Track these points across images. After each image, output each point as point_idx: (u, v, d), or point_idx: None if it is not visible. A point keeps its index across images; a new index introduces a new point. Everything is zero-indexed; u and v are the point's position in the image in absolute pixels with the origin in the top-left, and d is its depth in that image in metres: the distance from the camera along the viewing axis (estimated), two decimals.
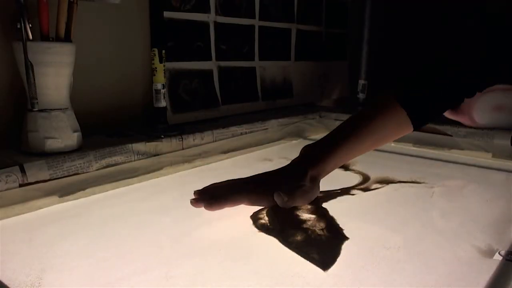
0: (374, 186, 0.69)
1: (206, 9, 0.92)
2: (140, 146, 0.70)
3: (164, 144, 0.73)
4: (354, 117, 0.61)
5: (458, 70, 0.58)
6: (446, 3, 1.24)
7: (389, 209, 0.60)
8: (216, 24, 0.95)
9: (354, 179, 0.73)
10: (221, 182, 0.58)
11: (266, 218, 0.55)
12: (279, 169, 0.60)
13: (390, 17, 1.33)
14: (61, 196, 0.60)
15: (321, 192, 0.65)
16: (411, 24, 1.33)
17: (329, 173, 0.59)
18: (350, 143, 0.57)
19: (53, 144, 0.61)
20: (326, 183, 0.69)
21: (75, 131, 0.64)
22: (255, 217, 0.55)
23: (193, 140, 0.78)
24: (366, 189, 0.68)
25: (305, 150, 0.61)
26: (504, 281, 0.41)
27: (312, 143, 0.62)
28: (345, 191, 0.67)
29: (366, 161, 0.84)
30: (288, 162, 0.61)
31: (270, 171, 0.60)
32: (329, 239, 0.49)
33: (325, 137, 0.61)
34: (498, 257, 0.45)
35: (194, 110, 0.91)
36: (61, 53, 0.61)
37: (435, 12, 1.32)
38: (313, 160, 0.57)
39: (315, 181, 0.57)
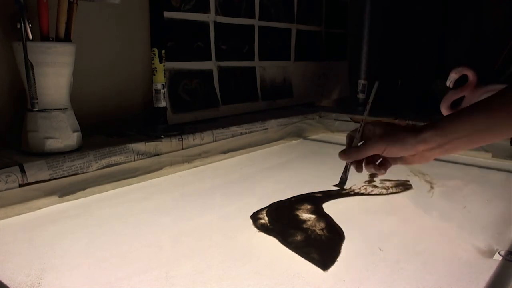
0: (375, 188, 0.69)
1: (206, 9, 0.92)
2: (140, 146, 0.70)
3: (164, 144, 0.73)
4: (492, 97, 0.47)
5: None
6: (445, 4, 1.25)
7: (389, 209, 0.60)
8: (216, 24, 0.95)
9: (355, 178, 0.73)
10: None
11: (266, 218, 0.55)
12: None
13: (390, 17, 1.33)
14: (61, 196, 0.60)
15: (321, 192, 0.65)
16: (411, 24, 1.33)
17: (445, 143, 0.47)
18: (479, 115, 0.45)
19: (53, 144, 0.61)
20: (326, 183, 0.69)
21: (75, 131, 0.64)
22: (255, 217, 0.55)
23: (193, 140, 0.78)
24: (366, 190, 0.68)
25: None
26: (504, 281, 0.41)
27: None
28: (345, 191, 0.67)
29: None
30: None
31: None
32: (329, 239, 0.49)
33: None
34: (498, 257, 0.45)
35: (194, 110, 0.91)
36: (61, 53, 0.61)
37: (435, 12, 1.32)
38: (433, 122, 0.48)
39: (418, 134, 0.47)
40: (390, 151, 0.49)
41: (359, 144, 0.52)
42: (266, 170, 0.80)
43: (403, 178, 0.73)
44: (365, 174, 0.76)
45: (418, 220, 0.57)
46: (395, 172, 0.76)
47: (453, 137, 0.46)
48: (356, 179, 0.72)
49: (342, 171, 0.54)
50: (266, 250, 0.47)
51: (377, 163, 0.52)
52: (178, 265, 0.44)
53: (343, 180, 0.55)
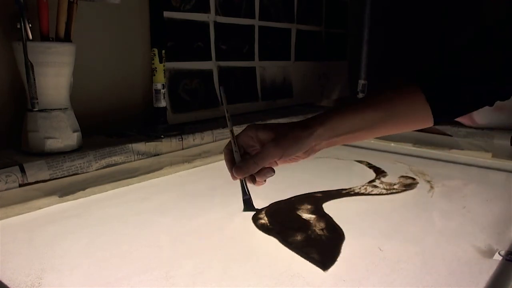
0: (375, 188, 0.69)
1: (206, 9, 0.92)
2: (140, 146, 0.70)
3: (164, 144, 0.73)
4: (372, 94, 0.52)
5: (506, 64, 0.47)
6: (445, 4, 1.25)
7: (389, 209, 0.60)
8: (216, 24, 0.95)
9: (355, 178, 0.73)
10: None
11: (266, 218, 0.55)
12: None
13: (390, 17, 1.33)
14: (61, 196, 0.60)
15: (321, 192, 0.65)
16: (411, 24, 1.33)
17: (332, 138, 0.49)
18: (362, 113, 0.48)
19: (53, 144, 0.61)
20: (326, 183, 0.69)
21: (75, 131, 0.64)
22: (255, 217, 0.55)
23: (193, 140, 0.78)
24: (366, 190, 0.68)
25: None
26: (504, 281, 0.41)
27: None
28: (345, 191, 0.67)
29: (367, 160, 0.84)
30: None
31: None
32: (329, 239, 0.49)
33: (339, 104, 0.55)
34: (498, 257, 0.45)
35: (194, 110, 0.91)
36: (61, 53, 0.61)
37: (435, 12, 1.32)
38: (319, 117, 0.50)
39: (312, 131, 0.48)
40: (288, 154, 0.48)
41: (240, 155, 0.50)
42: None
43: (403, 178, 0.73)
44: (365, 174, 0.76)
45: (418, 220, 0.57)
46: (396, 172, 0.76)
47: (341, 133, 0.48)
48: (356, 179, 0.72)
49: (241, 191, 0.52)
50: (266, 250, 0.47)
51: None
52: (178, 265, 0.44)
53: (248, 200, 0.53)
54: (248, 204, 0.54)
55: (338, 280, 0.41)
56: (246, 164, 0.49)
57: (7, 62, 0.63)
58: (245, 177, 0.50)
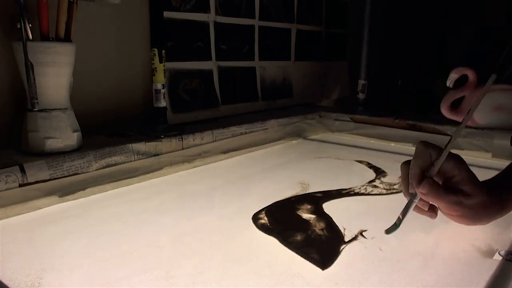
0: (375, 188, 0.69)
1: (206, 9, 0.92)
2: (140, 146, 0.70)
3: (164, 144, 0.73)
4: None
5: None
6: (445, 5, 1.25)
7: (389, 209, 0.60)
8: (216, 24, 0.95)
9: (355, 178, 0.73)
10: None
11: (266, 218, 0.55)
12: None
13: (390, 17, 1.33)
14: (61, 196, 0.60)
15: (321, 192, 0.65)
16: (411, 24, 1.33)
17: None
18: None
19: (53, 144, 0.61)
20: (326, 183, 0.69)
21: (75, 131, 0.64)
22: (255, 217, 0.55)
23: (193, 140, 0.78)
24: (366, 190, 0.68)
25: None
26: (504, 281, 0.41)
27: None
28: (345, 191, 0.67)
29: (367, 160, 0.84)
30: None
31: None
32: (329, 239, 0.49)
33: None
34: (498, 257, 0.45)
35: (194, 110, 0.91)
36: (61, 53, 0.61)
37: (435, 12, 1.32)
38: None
39: (504, 211, 0.45)
40: (459, 220, 0.45)
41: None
42: (266, 170, 0.80)
43: None
44: (365, 174, 0.76)
45: (418, 220, 0.57)
46: (396, 172, 0.76)
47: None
48: (356, 179, 0.72)
49: (401, 213, 0.46)
50: (266, 250, 0.47)
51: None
52: (178, 265, 0.44)
53: (398, 222, 0.46)
54: (394, 225, 0.47)
55: (338, 280, 0.41)
56: (433, 188, 0.44)
57: (7, 62, 0.63)
58: (414, 200, 0.46)
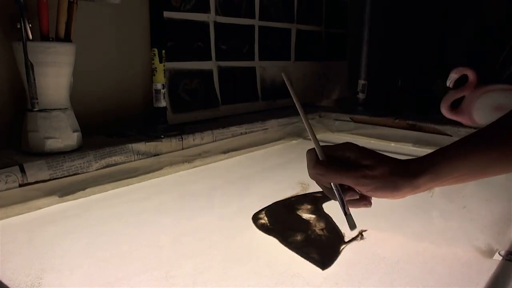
0: None
1: (206, 9, 0.92)
2: (140, 146, 0.70)
3: (164, 144, 0.73)
4: (486, 130, 0.44)
5: None
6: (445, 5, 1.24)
7: (389, 209, 0.60)
8: (216, 24, 0.95)
9: None
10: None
11: (266, 218, 0.55)
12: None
13: (390, 17, 1.33)
14: (61, 196, 0.60)
15: (321, 192, 0.65)
16: (411, 24, 1.33)
17: (434, 184, 0.44)
18: (476, 155, 0.43)
19: (53, 144, 0.61)
20: None
21: (75, 131, 0.64)
22: (255, 217, 0.55)
23: (193, 140, 0.78)
24: None
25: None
26: (504, 281, 0.41)
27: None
28: None
29: None
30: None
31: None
32: (329, 239, 0.49)
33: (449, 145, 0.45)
34: (498, 257, 0.45)
35: (194, 110, 0.91)
36: (61, 53, 0.61)
37: (435, 12, 1.32)
38: (425, 161, 0.44)
39: (412, 180, 0.43)
40: (378, 195, 0.44)
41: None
42: (266, 170, 0.80)
43: None
44: None
45: (418, 220, 0.57)
46: None
47: (444, 180, 0.43)
48: None
49: (342, 209, 0.45)
50: (266, 250, 0.47)
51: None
52: (178, 265, 0.44)
53: (351, 218, 0.45)
54: (352, 224, 0.46)
55: (338, 280, 0.41)
56: (329, 166, 0.44)
57: (7, 62, 0.63)
58: (339, 191, 0.45)
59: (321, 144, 0.48)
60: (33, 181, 0.56)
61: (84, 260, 0.44)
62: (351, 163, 0.45)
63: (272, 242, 0.49)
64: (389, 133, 1.00)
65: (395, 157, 0.46)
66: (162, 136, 0.74)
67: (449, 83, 0.91)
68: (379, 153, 0.46)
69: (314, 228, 0.52)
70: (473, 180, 0.45)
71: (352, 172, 0.44)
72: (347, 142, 0.47)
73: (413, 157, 0.46)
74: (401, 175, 0.43)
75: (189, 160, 0.78)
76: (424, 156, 0.45)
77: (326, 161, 0.45)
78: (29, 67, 0.57)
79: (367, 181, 0.43)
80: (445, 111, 0.92)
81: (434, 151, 0.45)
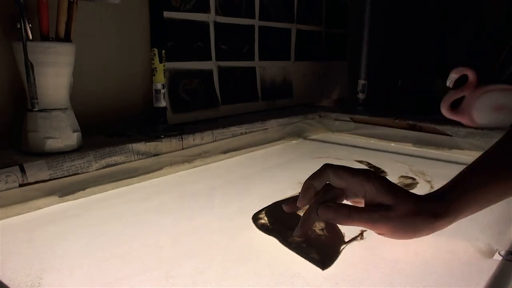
0: None
1: (206, 9, 0.92)
2: (140, 146, 0.70)
3: (164, 144, 0.73)
4: (495, 154, 0.45)
5: None
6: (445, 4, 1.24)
7: None
8: (216, 24, 0.95)
9: None
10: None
11: (266, 218, 0.55)
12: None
13: (390, 17, 1.33)
14: (61, 196, 0.60)
15: None
16: (411, 24, 1.33)
17: (455, 220, 0.43)
18: (492, 187, 0.42)
19: (53, 144, 0.61)
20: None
21: (75, 131, 0.64)
22: (255, 217, 0.55)
23: (193, 140, 0.78)
24: None
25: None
26: (504, 281, 0.41)
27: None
28: None
29: (367, 160, 0.84)
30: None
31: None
32: (329, 239, 0.49)
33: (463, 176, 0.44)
34: (498, 257, 0.45)
35: (194, 110, 0.91)
36: (61, 53, 0.61)
37: (435, 12, 1.32)
38: (445, 201, 0.42)
39: (434, 224, 0.42)
40: (392, 236, 0.42)
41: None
42: (266, 170, 0.80)
43: (403, 178, 0.73)
44: None
45: None
46: (396, 172, 0.76)
47: (463, 216, 0.43)
48: None
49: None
50: (266, 250, 0.47)
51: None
52: (178, 265, 0.44)
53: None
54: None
55: (338, 280, 0.41)
56: (338, 210, 0.41)
57: (7, 62, 0.63)
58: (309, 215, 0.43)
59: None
60: (33, 181, 0.56)
61: (84, 260, 0.44)
62: (370, 202, 0.42)
63: (272, 242, 0.49)
64: (389, 133, 1.00)
65: (413, 193, 0.44)
66: (162, 136, 0.74)
67: (449, 83, 0.91)
68: (398, 188, 0.43)
69: (314, 228, 0.52)
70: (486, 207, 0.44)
71: (367, 214, 0.41)
72: (367, 173, 0.43)
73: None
74: (422, 217, 0.41)
75: (189, 160, 0.78)
76: (444, 192, 0.43)
77: (336, 204, 0.42)
78: (29, 67, 0.57)
79: (386, 224, 0.41)
80: (445, 111, 0.92)
81: (452, 183, 0.43)
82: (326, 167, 0.45)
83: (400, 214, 0.41)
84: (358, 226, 0.43)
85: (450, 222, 0.43)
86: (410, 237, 0.43)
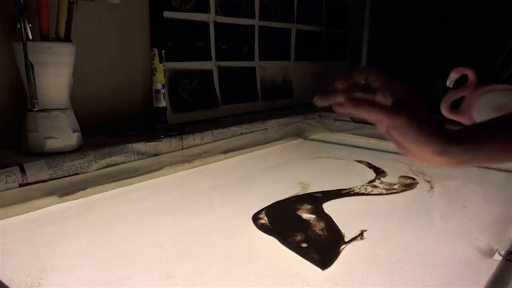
0: (375, 188, 0.69)
1: (206, 9, 0.92)
2: (140, 146, 0.70)
3: (164, 144, 0.73)
4: None
5: None
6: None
7: (389, 209, 0.60)
8: (216, 24, 0.95)
9: (355, 178, 0.73)
10: None
11: (266, 218, 0.55)
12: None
13: (390, 17, 1.33)
14: (61, 196, 0.60)
15: (321, 192, 0.65)
16: (411, 24, 1.33)
17: (468, 161, 0.40)
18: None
19: (53, 144, 0.61)
20: (327, 183, 0.69)
21: (75, 131, 0.64)
22: (255, 217, 0.55)
23: (193, 140, 0.78)
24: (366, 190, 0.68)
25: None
26: (504, 281, 0.41)
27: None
28: (345, 191, 0.67)
29: (367, 160, 0.84)
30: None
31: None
32: (329, 239, 0.49)
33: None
34: (498, 257, 0.45)
35: (194, 110, 0.91)
36: (61, 53, 0.61)
37: (435, 12, 1.32)
38: (469, 138, 0.40)
39: (447, 148, 0.40)
40: (403, 135, 0.42)
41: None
42: (266, 170, 0.80)
43: (403, 178, 0.73)
44: (365, 174, 0.76)
45: (418, 220, 0.57)
46: (396, 172, 0.76)
47: (478, 155, 0.40)
48: (356, 179, 0.72)
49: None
50: (266, 250, 0.47)
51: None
52: (178, 265, 0.44)
53: None
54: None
55: (338, 280, 0.41)
56: (365, 96, 0.43)
57: (7, 62, 0.63)
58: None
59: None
60: (33, 181, 0.56)
61: (84, 260, 0.44)
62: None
63: (272, 242, 0.49)
64: None
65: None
66: (162, 136, 0.74)
67: (449, 83, 0.91)
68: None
69: (314, 228, 0.52)
70: (505, 161, 0.41)
71: (384, 109, 0.42)
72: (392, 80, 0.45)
73: None
74: (437, 129, 0.41)
75: (189, 160, 0.78)
76: (463, 127, 0.43)
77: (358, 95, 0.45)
78: (29, 67, 0.57)
79: (401, 116, 0.42)
80: (445, 111, 0.92)
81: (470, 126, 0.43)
82: (368, 66, 0.47)
83: (419, 117, 0.42)
84: (378, 114, 0.43)
85: (461, 155, 0.40)
86: (420, 147, 0.42)
